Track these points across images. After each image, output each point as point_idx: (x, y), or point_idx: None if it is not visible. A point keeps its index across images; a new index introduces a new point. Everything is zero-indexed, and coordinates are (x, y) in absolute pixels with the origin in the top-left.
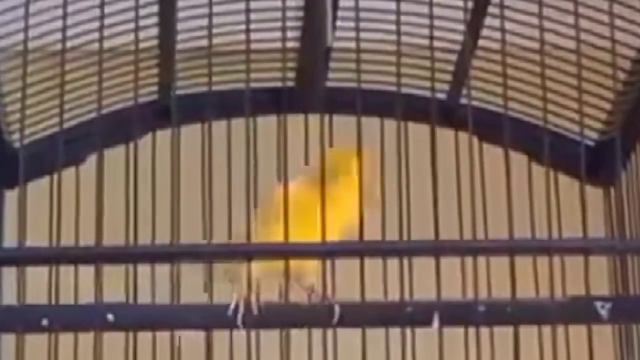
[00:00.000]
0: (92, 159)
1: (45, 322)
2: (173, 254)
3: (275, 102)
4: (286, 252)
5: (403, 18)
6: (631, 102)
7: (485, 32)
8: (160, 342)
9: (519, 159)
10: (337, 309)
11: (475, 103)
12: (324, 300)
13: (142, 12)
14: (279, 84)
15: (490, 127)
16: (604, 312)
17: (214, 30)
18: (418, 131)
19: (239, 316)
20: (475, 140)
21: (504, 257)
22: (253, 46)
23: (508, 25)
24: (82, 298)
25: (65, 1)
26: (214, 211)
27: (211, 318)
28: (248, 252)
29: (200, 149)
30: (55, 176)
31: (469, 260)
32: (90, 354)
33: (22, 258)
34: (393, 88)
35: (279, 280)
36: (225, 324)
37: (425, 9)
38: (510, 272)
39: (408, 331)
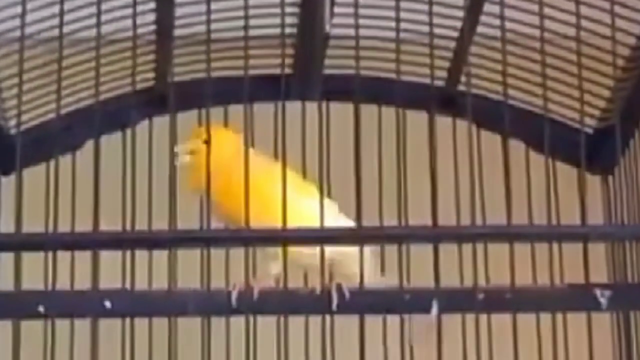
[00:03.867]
0: (89, 145)
1: (41, 308)
2: (170, 240)
3: (273, 89)
4: (283, 238)
5: (401, 4)
6: (630, 90)
7: (484, 18)
8: (158, 328)
9: (517, 146)
10: (335, 295)
11: (474, 90)
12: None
13: None
14: (276, 71)
15: (489, 114)
16: (603, 300)
17: (212, 17)
18: (417, 118)
19: (234, 301)
20: (474, 127)
21: (503, 244)
22: (251, 33)
23: (507, 12)
24: (78, 284)
25: None
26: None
27: (208, 304)
28: (245, 239)
29: None
30: (52, 162)
31: (467, 247)
32: (86, 340)
33: (18, 244)
34: (391, 75)
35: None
36: (222, 310)
37: None
38: (509, 259)
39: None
